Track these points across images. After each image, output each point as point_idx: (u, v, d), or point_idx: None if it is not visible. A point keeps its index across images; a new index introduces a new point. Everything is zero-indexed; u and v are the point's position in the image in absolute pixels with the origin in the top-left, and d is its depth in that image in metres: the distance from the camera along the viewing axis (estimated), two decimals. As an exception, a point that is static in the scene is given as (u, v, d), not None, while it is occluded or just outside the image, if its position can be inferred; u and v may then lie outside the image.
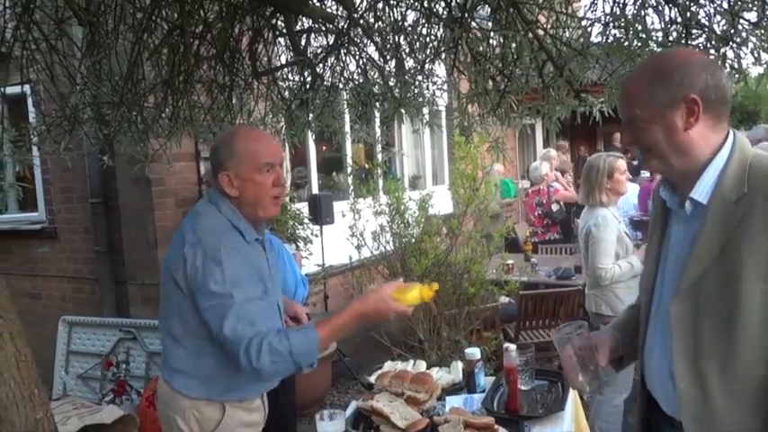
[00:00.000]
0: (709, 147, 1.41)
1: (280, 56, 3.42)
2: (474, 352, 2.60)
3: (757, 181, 1.35)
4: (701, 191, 1.40)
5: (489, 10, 2.28)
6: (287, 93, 3.16)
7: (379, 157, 6.19)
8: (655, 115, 1.40)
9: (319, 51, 2.83)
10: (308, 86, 2.71)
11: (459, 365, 2.74)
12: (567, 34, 2.22)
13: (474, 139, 3.75)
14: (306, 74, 2.79)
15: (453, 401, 2.45)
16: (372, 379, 2.66)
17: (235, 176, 1.94)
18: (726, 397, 1.37)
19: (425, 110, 3.10)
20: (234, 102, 3.21)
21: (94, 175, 4.97)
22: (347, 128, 3.94)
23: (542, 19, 2.42)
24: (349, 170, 5.72)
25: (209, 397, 1.98)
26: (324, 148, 6.75)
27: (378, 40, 2.53)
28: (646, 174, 7.26)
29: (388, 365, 2.85)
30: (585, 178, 3.58)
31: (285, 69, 3.23)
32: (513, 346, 2.46)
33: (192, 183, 4.91)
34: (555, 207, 6.71)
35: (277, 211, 2.05)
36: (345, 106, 3.32)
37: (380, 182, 5.31)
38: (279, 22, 2.86)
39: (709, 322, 1.37)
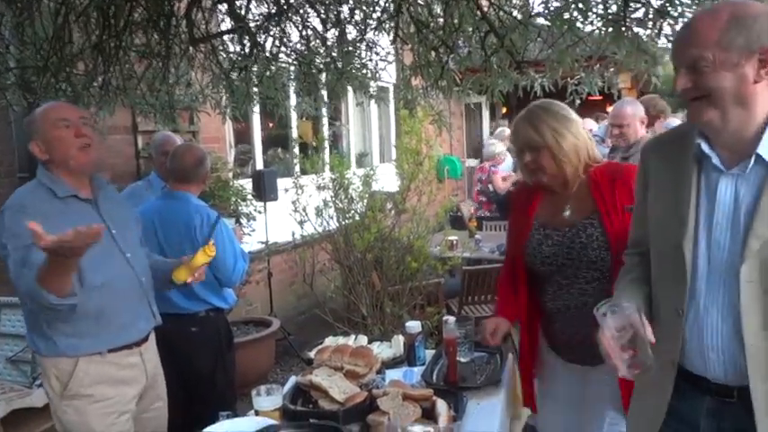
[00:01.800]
0: (766, 104, 1.38)
1: (220, 23, 3.30)
2: (414, 325, 2.60)
3: None
4: (767, 147, 1.36)
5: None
6: (227, 63, 3.05)
7: (325, 131, 6.11)
8: (727, 61, 1.33)
9: (259, 19, 2.73)
10: (247, 55, 2.61)
11: (400, 339, 2.74)
12: (511, 3, 2.21)
13: (418, 114, 3.73)
14: (245, 42, 2.69)
15: (393, 375, 2.44)
16: (312, 354, 2.62)
17: (41, 142, 2.08)
18: None
19: (372, 84, 3.06)
20: (171, 71, 3.08)
21: (23, 147, 4.70)
22: (292, 101, 3.85)
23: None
24: (295, 146, 5.63)
25: (58, 353, 2.06)
26: (270, 125, 6.62)
27: (320, 8, 2.45)
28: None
29: (329, 341, 2.82)
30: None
31: (224, 38, 3.12)
32: (452, 319, 2.47)
33: (130, 156, 4.72)
34: (491, 187, 6.85)
35: (88, 158, 2.11)
36: (288, 78, 3.23)
37: (326, 158, 5.25)
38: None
39: None
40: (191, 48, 2.87)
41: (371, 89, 2.87)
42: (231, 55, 3.15)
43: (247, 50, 2.74)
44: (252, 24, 2.81)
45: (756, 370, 1.39)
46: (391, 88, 6.51)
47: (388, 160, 8.42)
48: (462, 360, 2.50)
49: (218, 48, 3.11)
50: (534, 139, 2.03)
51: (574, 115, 2.10)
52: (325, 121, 6.00)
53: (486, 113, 11.26)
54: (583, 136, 2.09)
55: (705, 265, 1.46)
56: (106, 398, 2.10)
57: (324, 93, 3.59)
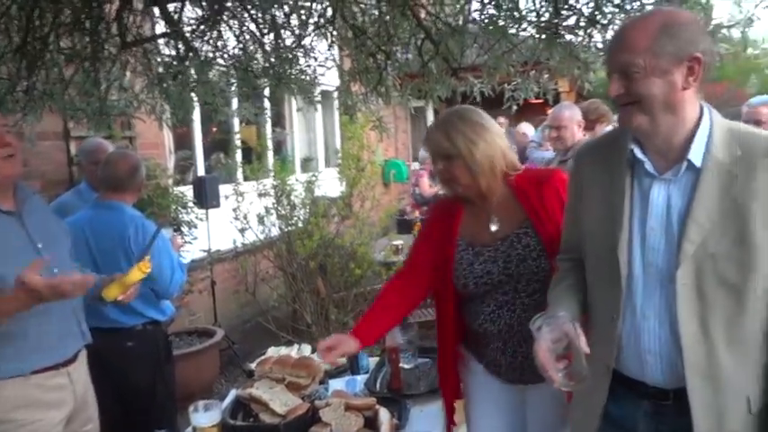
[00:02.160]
0: (694, 111, 1.41)
1: (154, 27, 3.20)
2: (357, 334, 2.58)
3: (750, 144, 1.38)
4: (697, 154, 1.39)
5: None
6: (161, 67, 2.96)
7: (268, 137, 6.02)
8: (657, 67, 1.35)
9: (194, 23, 2.66)
10: (181, 60, 2.54)
11: (343, 347, 2.71)
12: (446, 12, 2.22)
13: (359, 119, 3.71)
14: (179, 46, 2.61)
15: (336, 384, 2.42)
16: (254, 366, 2.57)
17: None
18: (732, 355, 1.39)
19: (313, 89, 3.02)
20: (103, 75, 2.96)
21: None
22: (234, 107, 3.77)
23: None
24: (238, 152, 5.52)
25: None
26: (215, 129, 6.48)
27: (255, 12, 2.40)
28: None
29: (272, 351, 2.77)
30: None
31: (159, 42, 3.02)
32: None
33: (62, 164, 4.52)
34: (417, 190, 6.97)
35: (12, 170, 2.00)
36: (226, 83, 3.16)
37: (270, 163, 5.16)
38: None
39: (716, 282, 1.37)
40: (122, 51, 2.76)
41: (311, 95, 2.83)
42: (166, 59, 3.06)
43: (182, 55, 2.66)
44: (186, 28, 2.73)
45: (694, 372, 1.40)
46: (336, 92, 6.48)
47: (334, 165, 8.38)
48: (406, 367, 2.50)
49: (152, 51, 3.01)
50: (446, 148, 1.92)
51: (490, 123, 1.99)
52: (268, 126, 5.90)
53: (430, 117, 11.35)
54: (498, 145, 1.95)
55: (640, 271, 1.47)
56: (31, 422, 1.98)
57: (266, 98, 3.53)
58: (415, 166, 9.79)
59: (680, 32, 1.34)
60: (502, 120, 10.37)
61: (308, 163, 8.05)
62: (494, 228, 1.99)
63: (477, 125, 1.94)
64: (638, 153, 1.46)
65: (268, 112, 4.40)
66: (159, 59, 3.03)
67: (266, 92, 3.42)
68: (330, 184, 4.70)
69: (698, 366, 1.40)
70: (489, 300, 1.99)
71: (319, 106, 3.05)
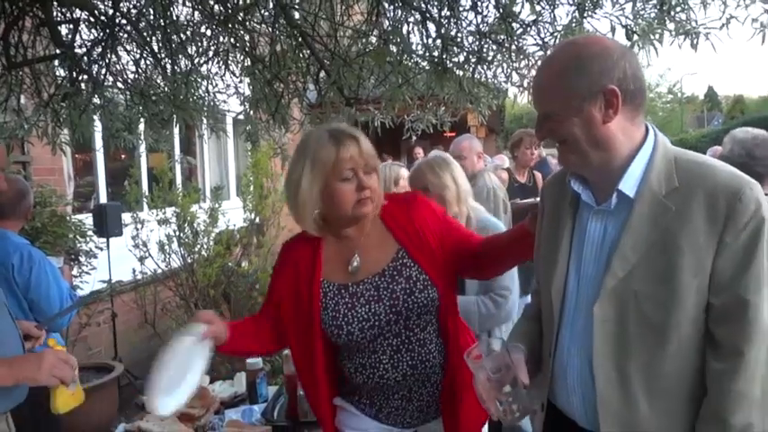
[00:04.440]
0: (630, 140, 1.32)
1: (46, 47, 3.09)
2: (256, 362, 2.55)
3: (691, 175, 1.27)
4: (629, 184, 1.31)
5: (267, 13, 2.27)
6: (53, 88, 2.85)
7: (177, 165, 5.89)
8: (571, 108, 1.29)
9: (87, 45, 2.60)
10: (71, 82, 2.46)
11: (242, 377, 2.67)
12: (342, 43, 2.28)
13: (264, 147, 3.72)
14: (70, 69, 2.53)
15: (232, 414, 2.37)
16: (144, 398, 2.47)
17: None
18: (651, 401, 1.28)
19: (216, 116, 3.00)
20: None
21: None
22: (140, 133, 3.67)
23: (324, 28, 2.47)
24: (144, 180, 5.36)
25: None
26: (123, 156, 6.25)
27: (150, 37, 2.38)
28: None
29: (167, 383, 2.68)
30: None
31: (55, 63, 2.92)
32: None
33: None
34: None
35: None
36: (125, 107, 3.08)
37: (179, 191, 5.04)
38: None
39: (638, 321, 1.28)
40: (9, 72, 2.65)
41: (212, 122, 2.81)
42: (61, 81, 2.96)
43: (74, 77, 2.59)
44: (81, 51, 2.66)
45: (608, 417, 1.31)
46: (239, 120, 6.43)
47: (248, 193, 8.28)
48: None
49: (44, 73, 2.91)
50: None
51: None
52: (177, 153, 5.77)
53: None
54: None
55: (573, 305, 1.40)
56: None
57: (175, 124, 3.43)
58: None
59: (589, 67, 1.28)
60: (418, 150, 10.63)
61: (218, 191, 7.91)
62: (355, 264, 1.75)
63: None
64: (575, 185, 1.40)
65: (176, 139, 4.30)
66: (50, 81, 2.93)
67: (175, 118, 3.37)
68: (237, 212, 4.65)
69: (612, 412, 1.31)
70: (381, 346, 1.73)
71: (231, 134, 3.03)
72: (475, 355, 1.40)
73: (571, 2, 2.02)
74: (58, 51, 2.67)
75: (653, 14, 1.89)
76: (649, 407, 1.28)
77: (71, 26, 2.56)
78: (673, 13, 1.87)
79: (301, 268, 1.78)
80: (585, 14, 1.97)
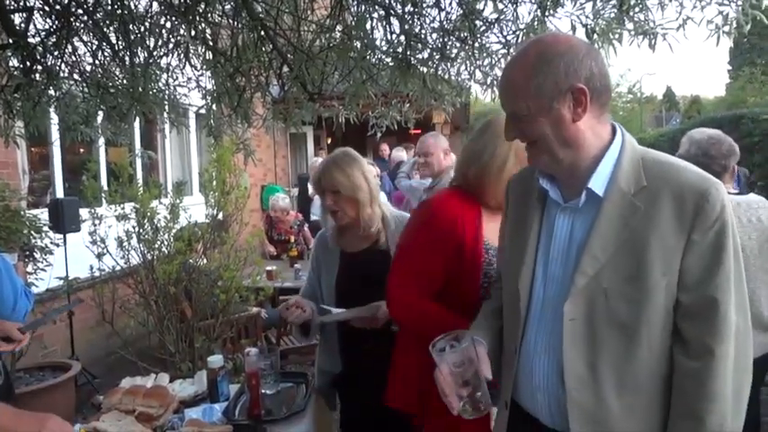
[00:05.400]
0: (598, 138, 1.33)
1: (-1, 37, 2.98)
2: (216, 360, 2.50)
3: (658, 175, 1.28)
4: (599, 183, 1.31)
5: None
6: (5, 79, 2.75)
7: (138, 160, 5.76)
8: (540, 107, 1.28)
9: (41, 34, 2.51)
10: (25, 73, 2.38)
11: (203, 375, 2.62)
12: (305, 38, 2.26)
13: (226, 142, 3.66)
14: (23, 59, 2.45)
15: (192, 413, 2.33)
16: (101, 398, 2.42)
17: None
18: (622, 399, 1.28)
19: (176, 109, 2.94)
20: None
21: None
22: (98, 126, 3.57)
23: (287, 22, 2.44)
24: (102, 174, 5.23)
25: None
26: (82, 150, 6.09)
27: (108, 27, 2.31)
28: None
29: (126, 382, 2.62)
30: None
31: (4, 53, 2.82)
32: (254, 350, 2.42)
33: None
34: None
35: None
36: (82, 100, 3.00)
37: (140, 186, 4.93)
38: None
39: (607, 319, 1.28)
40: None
41: (172, 115, 2.75)
42: (13, 71, 2.86)
43: (28, 68, 2.50)
44: (35, 40, 2.58)
45: (578, 416, 1.31)
46: (201, 114, 6.35)
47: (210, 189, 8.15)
48: (268, 392, 2.45)
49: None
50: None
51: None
52: (137, 147, 5.64)
53: (310, 142, 11.40)
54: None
55: (539, 302, 1.40)
56: None
57: (134, 118, 3.35)
58: (294, 191, 9.77)
59: (557, 64, 1.27)
60: (384, 146, 10.66)
61: (181, 187, 7.78)
62: None
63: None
64: (543, 183, 1.41)
65: (137, 133, 4.20)
66: (2, 71, 2.82)
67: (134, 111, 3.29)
68: (200, 208, 4.58)
69: (583, 411, 1.30)
70: None
71: (193, 128, 2.98)
72: (439, 348, 1.39)
73: (533, 0, 2.04)
74: (10, 41, 2.59)
75: (612, 14, 1.93)
76: (620, 405, 1.29)
77: (24, 15, 2.47)
78: (631, 13, 1.90)
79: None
80: (547, 13, 1.99)
